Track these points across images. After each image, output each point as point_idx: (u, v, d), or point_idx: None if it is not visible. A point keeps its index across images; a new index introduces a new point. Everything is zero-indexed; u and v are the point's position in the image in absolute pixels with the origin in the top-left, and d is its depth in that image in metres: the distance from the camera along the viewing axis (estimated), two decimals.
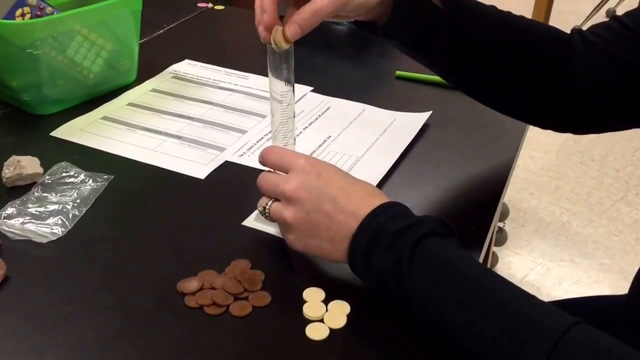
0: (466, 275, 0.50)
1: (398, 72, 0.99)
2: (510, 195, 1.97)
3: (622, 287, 1.61)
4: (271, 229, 0.65)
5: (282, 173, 0.61)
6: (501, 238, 1.73)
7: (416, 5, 0.63)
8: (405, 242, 0.52)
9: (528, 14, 2.50)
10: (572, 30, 0.68)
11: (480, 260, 0.64)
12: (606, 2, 3.16)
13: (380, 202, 0.55)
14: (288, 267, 0.62)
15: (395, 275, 0.52)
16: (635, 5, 3.84)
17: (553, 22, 2.86)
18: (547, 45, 0.67)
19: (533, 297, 0.49)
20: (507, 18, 0.68)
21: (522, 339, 0.45)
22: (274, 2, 0.58)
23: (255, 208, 0.67)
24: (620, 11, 3.33)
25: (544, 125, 0.71)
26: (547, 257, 1.73)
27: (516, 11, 0.68)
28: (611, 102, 0.65)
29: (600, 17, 3.27)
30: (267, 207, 0.60)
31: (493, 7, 0.68)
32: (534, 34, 0.68)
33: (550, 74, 0.66)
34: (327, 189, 0.56)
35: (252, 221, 0.67)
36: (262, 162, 0.62)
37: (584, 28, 0.66)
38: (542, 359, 0.44)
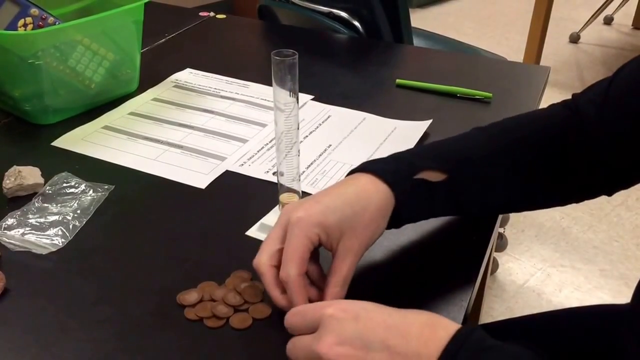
0: None
1: (398, 81, 1.00)
2: None
3: (623, 293, 1.60)
4: None
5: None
6: (501, 244, 1.73)
7: (417, 195, 0.59)
8: None
9: (527, 21, 2.51)
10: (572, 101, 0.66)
11: (482, 267, 0.64)
12: (604, 9, 3.16)
13: (447, 333, 0.43)
14: None
15: None
16: (632, 12, 3.80)
17: (551, 28, 2.83)
18: (555, 132, 0.64)
19: None
20: (507, 135, 0.64)
21: None
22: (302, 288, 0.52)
23: (258, 218, 0.67)
24: (617, 18, 3.33)
25: (582, 198, 0.67)
26: (548, 263, 1.73)
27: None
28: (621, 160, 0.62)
29: (598, 23, 3.28)
30: None
31: (487, 131, 0.64)
32: (543, 130, 0.64)
33: (569, 154, 0.63)
34: (371, 333, 0.44)
35: (256, 231, 0.67)
36: (290, 330, 0.49)
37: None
38: None
